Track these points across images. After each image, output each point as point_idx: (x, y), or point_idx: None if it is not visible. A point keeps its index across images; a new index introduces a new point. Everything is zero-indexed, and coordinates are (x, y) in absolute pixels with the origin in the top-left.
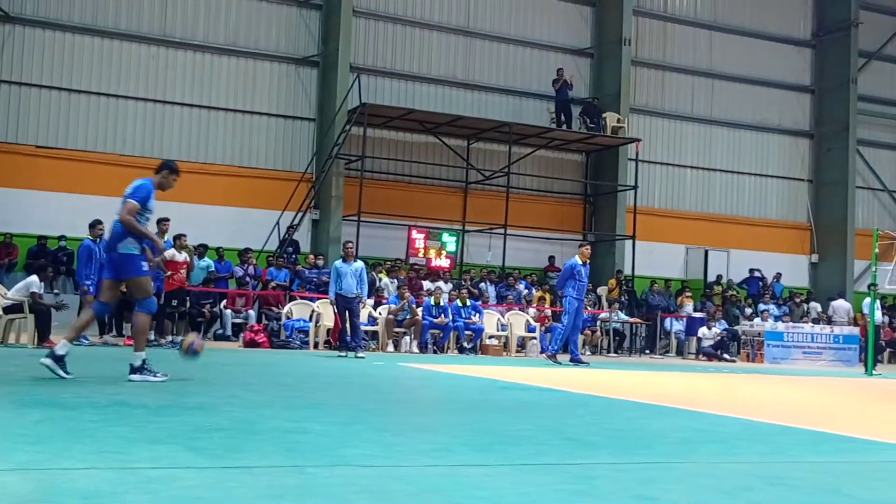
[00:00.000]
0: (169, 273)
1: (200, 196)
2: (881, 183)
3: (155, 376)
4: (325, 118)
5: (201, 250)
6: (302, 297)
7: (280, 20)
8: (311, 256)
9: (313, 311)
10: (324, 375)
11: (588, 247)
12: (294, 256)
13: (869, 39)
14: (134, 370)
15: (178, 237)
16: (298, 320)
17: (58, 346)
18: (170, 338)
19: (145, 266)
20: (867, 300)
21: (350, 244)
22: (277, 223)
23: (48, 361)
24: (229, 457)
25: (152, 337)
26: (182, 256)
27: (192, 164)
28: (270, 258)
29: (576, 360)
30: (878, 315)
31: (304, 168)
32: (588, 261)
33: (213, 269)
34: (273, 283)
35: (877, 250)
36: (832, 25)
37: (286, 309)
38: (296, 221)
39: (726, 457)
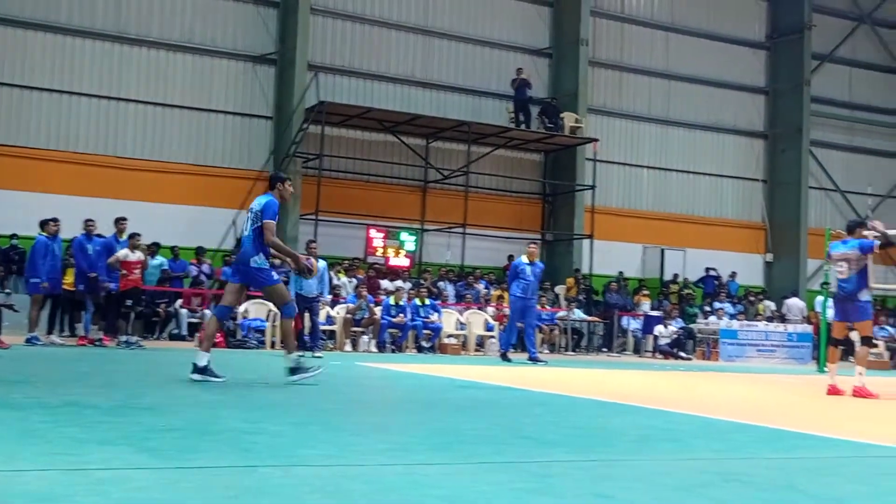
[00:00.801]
0: (124, 272)
1: (156, 195)
2: (833, 183)
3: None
4: (283, 116)
5: (154, 249)
6: (259, 297)
7: (237, 17)
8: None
9: (270, 310)
10: (280, 375)
11: (535, 245)
12: None
13: (822, 42)
14: (293, 371)
15: (132, 236)
16: (255, 320)
17: (197, 359)
18: (124, 338)
19: (275, 275)
20: (819, 298)
21: (314, 244)
22: (234, 222)
23: (197, 377)
24: (183, 458)
25: (99, 337)
26: (136, 256)
27: (148, 163)
28: (227, 257)
29: (533, 359)
30: (831, 313)
31: (262, 166)
32: (536, 259)
33: (166, 267)
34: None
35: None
36: (786, 28)
37: (242, 308)
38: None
39: (683, 454)
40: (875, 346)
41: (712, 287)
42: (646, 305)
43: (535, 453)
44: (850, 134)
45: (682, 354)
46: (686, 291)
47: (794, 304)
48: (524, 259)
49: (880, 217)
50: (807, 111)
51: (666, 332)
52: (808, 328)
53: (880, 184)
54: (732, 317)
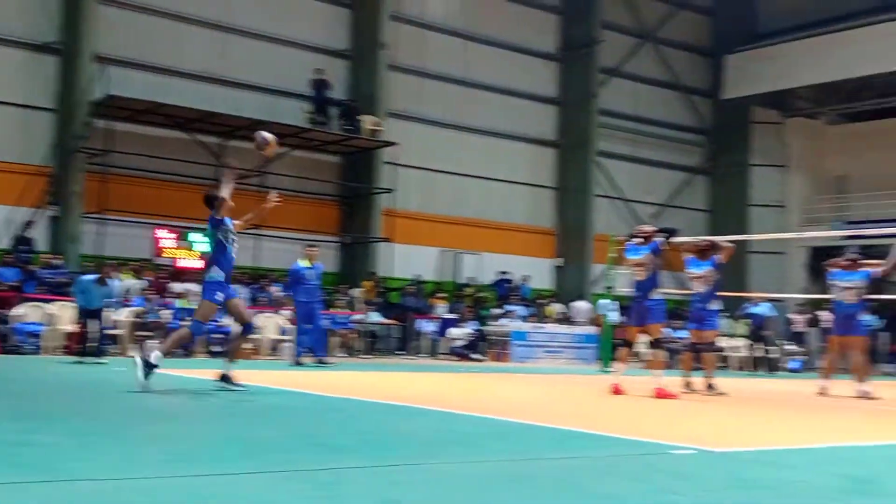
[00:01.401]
0: None
1: None
2: (618, 191)
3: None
4: (67, 109)
5: None
6: (36, 300)
7: (16, 2)
8: (48, 256)
9: (48, 314)
10: (58, 383)
11: (315, 248)
12: (28, 255)
13: (610, 57)
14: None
15: None
16: (31, 324)
17: None
18: None
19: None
20: (602, 301)
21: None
22: (11, 220)
23: None
24: None
25: None
26: None
27: None
28: (7, 257)
29: (321, 362)
30: (615, 315)
31: (42, 161)
32: (315, 262)
33: None
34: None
35: (613, 255)
36: (576, 42)
37: (17, 311)
38: (32, 218)
39: (473, 456)
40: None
41: (505, 290)
42: (441, 308)
43: (325, 460)
44: (634, 145)
45: (476, 356)
46: (480, 294)
47: (581, 306)
48: (304, 263)
49: (661, 223)
50: (594, 122)
51: (460, 334)
52: (594, 330)
53: (661, 193)
54: (524, 319)
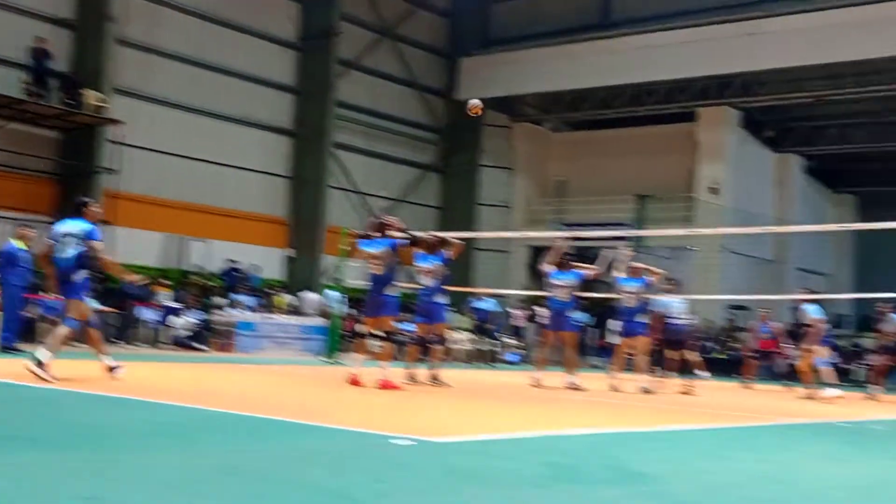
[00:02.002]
0: None
1: None
2: (352, 184)
3: None
4: None
5: None
6: None
7: None
8: None
9: None
10: None
11: (29, 228)
12: None
13: (349, 49)
14: None
15: None
16: None
17: None
18: None
19: None
20: (329, 292)
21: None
22: None
23: None
24: None
25: None
26: None
27: None
28: None
29: (9, 348)
30: (341, 307)
31: None
32: (31, 244)
33: None
34: None
35: (345, 247)
36: (316, 31)
37: None
38: None
39: (185, 449)
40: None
41: (234, 279)
42: (164, 296)
43: (19, 452)
44: (369, 139)
45: (200, 346)
46: (208, 283)
47: (311, 297)
48: (18, 243)
49: (394, 216)
50: (331, 114)
51: (184, 323)
52: (322, 321)
53: (394, 187)
54: (252, 309)
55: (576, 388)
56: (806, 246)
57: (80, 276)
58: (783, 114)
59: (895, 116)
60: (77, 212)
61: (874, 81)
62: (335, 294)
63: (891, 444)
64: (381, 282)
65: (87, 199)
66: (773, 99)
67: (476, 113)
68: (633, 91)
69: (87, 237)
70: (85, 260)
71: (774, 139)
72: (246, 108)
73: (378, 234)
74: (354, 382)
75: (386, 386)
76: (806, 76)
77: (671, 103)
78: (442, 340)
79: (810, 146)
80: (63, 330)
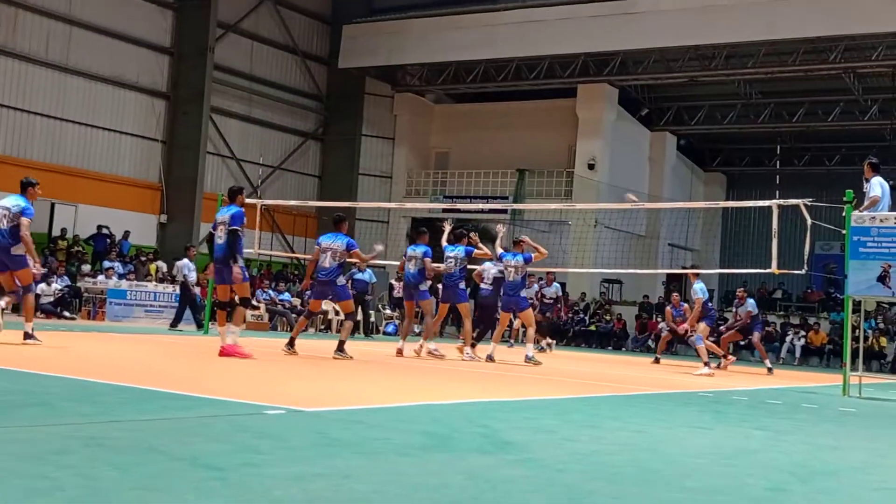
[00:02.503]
0: None
1: None
2: (230, 150)
3: None
4: None
5: None
6: None
7: None
8: None
9: None
10: None
11: None
12: None
13: (228, 11)
14: None
15: None
16: None
17: None
18: None
19: None
20: (181, 261)
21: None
22: None
23: None
24: None
25: None
26: None
27: None
28: None
29: None
30: (193, 275)
31: None
32: None
33: None
34: None
35: None
36: None
37: None
38: None
39: (46, 419)
40: (255, 307)
41: (104, 245)
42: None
43: None
44: (248, 105)
45: (66, 314)
46: (75, 248)
47: (185, 265)
48: None
49: (273, 184)
50: (209, 77)
51: (50, 290)
52: (197, 290)
53: (272, 155)
54: (122, 276)
55: (437, 356)
56: (677, 222)
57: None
58: (658, 93)
59: (763, 99)
60: (23, 190)
61: (743, 64)
62: (185, 262)
63: (750, 413)
64: (220, 250)
65: (33, 181)
66: (649, 78)
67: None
68: (516, 65)
69: (21, 213)
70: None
71: (650, 117)
72: (119, 68)
73: (232, 202)
74: (227, 353)
75: (231, 352)
76: (680, 57)
77: (552, 79)
78: (315, 313)
79: (683, 125)
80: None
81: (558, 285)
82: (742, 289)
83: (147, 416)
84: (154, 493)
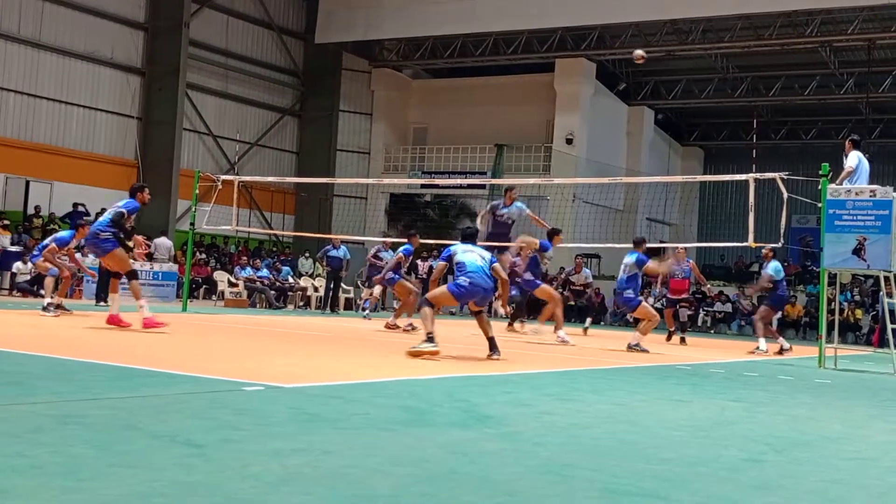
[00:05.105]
0: None
1: None
2: (206, 127)
3: None
4: None
5: None
6: None
7: None
8: None
9: None
10: None
11: None
12: None
13: None
14: None
15: None
16: None
17: None
18: None
19: None
20: (159, 239)
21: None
22: None
23: None
24: None
25: None
26: None
27: None
28: None
29: None
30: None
31: None
32: None
33: None
34: None
35: (197, 191)
36: None
37: None
38: None
39: (22, 398)
40: (234, 284)
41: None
42: (5, 240)
43: None
44: (225, 81)
45: (42, 292)
46: (51, 227)
47: (163, 242)
48: None
49: (250, 160)
50: (185, 53)
51: (25, 268)
52: (175, 267)
53: (248, 132)
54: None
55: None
56: (655, 196)
57: None
58: (636, 67)
59: (740, 73)
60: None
61: (719, 38)
62: (163, 240)
63: (727, 385)
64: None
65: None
66: (626, 52)
67: (640, 61)
68: (494, 40)
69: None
70: None
71: (627, 92)
72: (93, 44)
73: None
74: (113, 322)
75: (148, 325)
76: (657, 31)
77: (530, 54)
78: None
79: (661, 100)
80: None
81: (588, 271)
82: (770, 248)
83: (124, 393)
84: (132, 471)
